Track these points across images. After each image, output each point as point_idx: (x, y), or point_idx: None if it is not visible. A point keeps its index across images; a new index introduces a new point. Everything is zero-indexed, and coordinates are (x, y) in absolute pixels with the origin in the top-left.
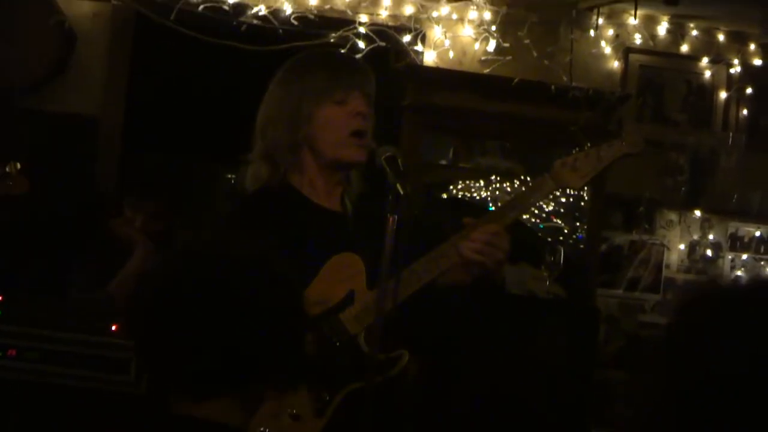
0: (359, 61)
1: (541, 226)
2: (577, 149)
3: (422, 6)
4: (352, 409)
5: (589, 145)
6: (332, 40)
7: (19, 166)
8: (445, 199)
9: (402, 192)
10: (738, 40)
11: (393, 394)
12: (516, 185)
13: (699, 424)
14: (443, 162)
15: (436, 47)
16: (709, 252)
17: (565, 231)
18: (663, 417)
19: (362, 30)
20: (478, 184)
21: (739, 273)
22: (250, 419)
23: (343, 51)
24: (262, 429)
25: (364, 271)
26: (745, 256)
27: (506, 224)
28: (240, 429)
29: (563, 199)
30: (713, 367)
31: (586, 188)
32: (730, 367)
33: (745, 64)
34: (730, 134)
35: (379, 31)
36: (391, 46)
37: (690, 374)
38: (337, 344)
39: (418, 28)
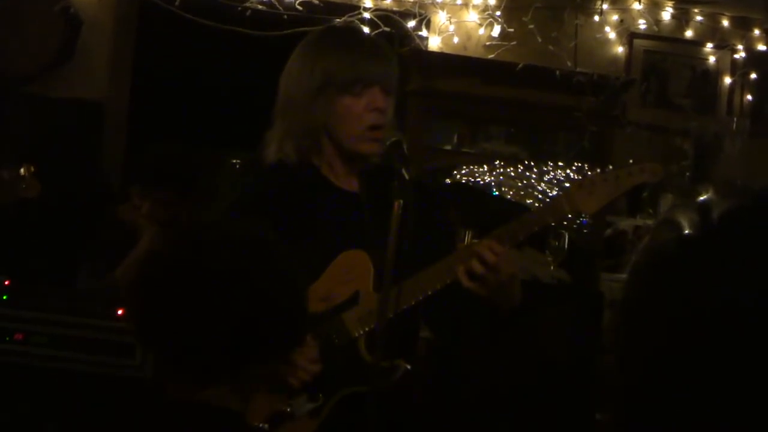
0: (383, 48)
1: None
2: (586, 170)
3: None
4: (346, 413)
5: (593, 135)
6: (327, 26)
7: (32, 169)
8: (449, 184)
9: (407, 177)
10: (742, 26)
11: (387, 402)
12: (520, 170)
13: (661, 377)
14: (448, 147)
15: (440, 32)
16: None
17: (569, 216)
18: (626, 372)
19: (367, 15)
20: (482, 169)
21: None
22: (248, 404)
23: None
24: (261, 425)
25: (371, 271)
26: None
27: (515, 244)
28: (238, 413)
29: (567, 184)
30: (669, 320)
31: (588, 173)
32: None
33: (750, 50)
34: (734, 119)
35: (383, 16)
36: (395, 31)
37: (649, 326)
38: (337, 344)
39: (422, 14)
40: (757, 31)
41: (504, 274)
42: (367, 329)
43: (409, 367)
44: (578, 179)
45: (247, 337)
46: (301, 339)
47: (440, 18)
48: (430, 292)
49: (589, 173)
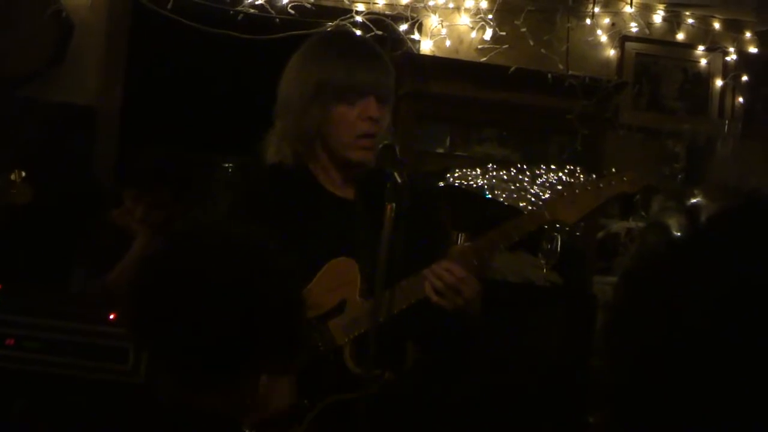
0: (380, 57)
1: None
2: (578, 173)
3: None
4: (330, 420)
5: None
6: (329, 30)
7: (23, 174)
8: (441, 187)
9: (399, 180)
10: (733, 28)
11: (372, 410)
12: (512, 173)
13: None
14: (440, 150)
15: (432, 36)
16: None
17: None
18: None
19: (359, 19)
20: (474, 172)
21: None
22: (242, 410)
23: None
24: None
25: (358, 279)
26: None
27: (496, 252)
28: (232, 420)
29: (560, 187)
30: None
31: (582, 177)
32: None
33: (741, 52)
34: (726, 122)
35: (375, 20)
36: (387, 35)
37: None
38: (323, 352)
39: (414, 17)
40: (748, 34)
41: (464, 298)
42: (352, 337)
43: (392, 376)
44: (561, 190)
45: (242, 343)
46: (297, 346)
47: (432, 21)
48: (415, 300)
49: (572, 183)
